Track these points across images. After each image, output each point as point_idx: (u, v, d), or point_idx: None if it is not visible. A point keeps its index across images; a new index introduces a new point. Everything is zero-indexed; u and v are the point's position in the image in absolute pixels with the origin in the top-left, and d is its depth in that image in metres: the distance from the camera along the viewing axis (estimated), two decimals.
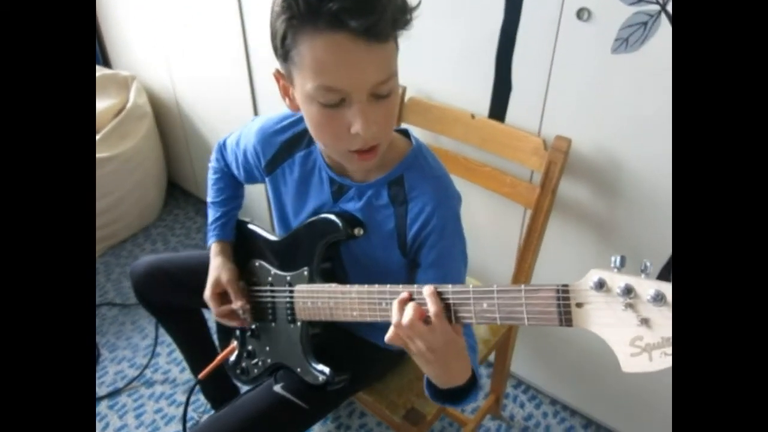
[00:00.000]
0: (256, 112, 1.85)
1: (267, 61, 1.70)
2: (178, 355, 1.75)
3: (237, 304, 1.03)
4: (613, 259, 0.57)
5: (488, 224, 1.44)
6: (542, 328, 1.49)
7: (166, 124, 2.28)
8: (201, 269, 1.18)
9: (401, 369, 1.17)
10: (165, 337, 1.79)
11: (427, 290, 0.70)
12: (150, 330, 1.82)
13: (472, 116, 1.28)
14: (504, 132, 1.25)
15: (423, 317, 0.70)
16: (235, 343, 1.14)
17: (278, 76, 0.81)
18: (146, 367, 1.71)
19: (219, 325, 1.19)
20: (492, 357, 1.45)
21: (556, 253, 1.32)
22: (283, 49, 0.73)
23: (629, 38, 1.03)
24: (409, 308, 0.70)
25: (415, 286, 0.73)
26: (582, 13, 1.06)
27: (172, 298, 1.24)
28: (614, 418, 1.50)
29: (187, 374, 1.69)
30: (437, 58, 1.29)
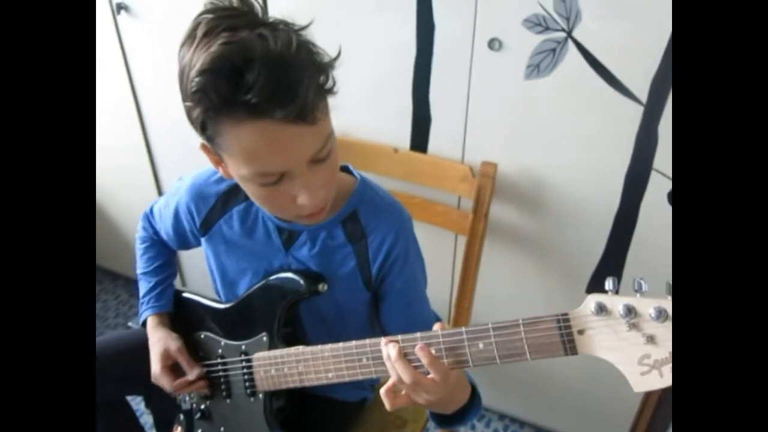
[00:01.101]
0: (154, 170, 1.72)
1: (160, 112, 1.59)
2: None
3: (193, 374, 0.93)
4: (607, 282, 0.58)
5: (423, 253, 1.44)
6: None
7: None
8: (122, 352, 1.07)
9: (363, 420, 1.12)
10: None
11: (425, 360, 0.67)
12: None
13: (395, 150, 1.29)
14: (428, 162, 1.26)
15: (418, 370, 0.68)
16: (179, 430, 1.03)
17: (206, 150, 0.75)
18: None
19: (156, 412, 1.07)
20: None
21: (494, 275, 1.35)
22: (204, 136, 0.68)
23: (540, 64, 1.09)
24: (406, 368, 0.68)
25: (399, 338, 0.70)
26: (493, 44, 1.10)
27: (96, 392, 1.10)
28: (563, 423, 1.55)
29: None
30: (354, 96, 1.28)
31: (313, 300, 0.88)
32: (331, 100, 0.70)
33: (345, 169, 0.91)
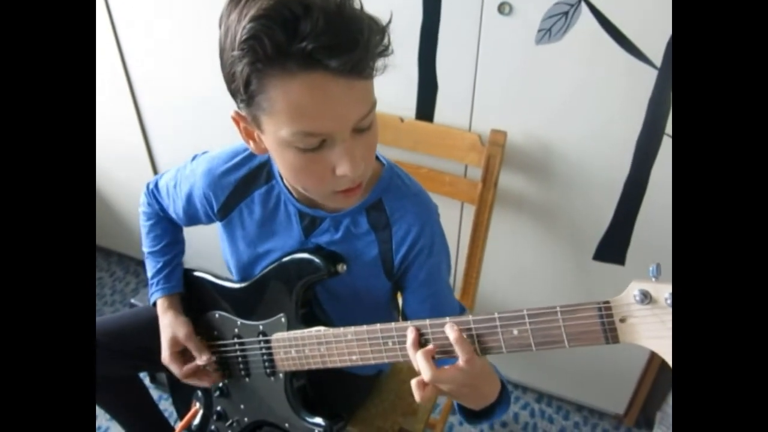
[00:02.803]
0: (148, 147, 1.66)
1: (153, 89, 1.53)
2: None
3: (203, 359, 0.92)
4: (650, 269, 0.57)
5: None
6: (488, 312, 1.52)
7: None
8: (133, 329, 1.05)
9: (379, 392, 1.13)
10: (101, 422, 1.58)
11: (452, 335, 0.66)
12: None
13: (401, 120, 1.25)
14: (435, 132, 1.23)
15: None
16: (197, 405, 1.02)
17: (238, 119, 0.71)
18: None
19: (174, 389, 1.06)
20: None
21: (504, 244, 1.35)
22: (246, 94, 0.63)
23: (552, 28, 1.05)
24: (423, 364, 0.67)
25: (428, 322, 0.69)
26: (503, 8, 1.06)
27: (102, 369, 1.08)
28: (563, 388, 1.58)
29: None
30: None
31: (332, 282, 0.87)
32: None
33: None
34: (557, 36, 1.06)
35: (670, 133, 1.08)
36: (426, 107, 1.24)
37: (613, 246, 1.26)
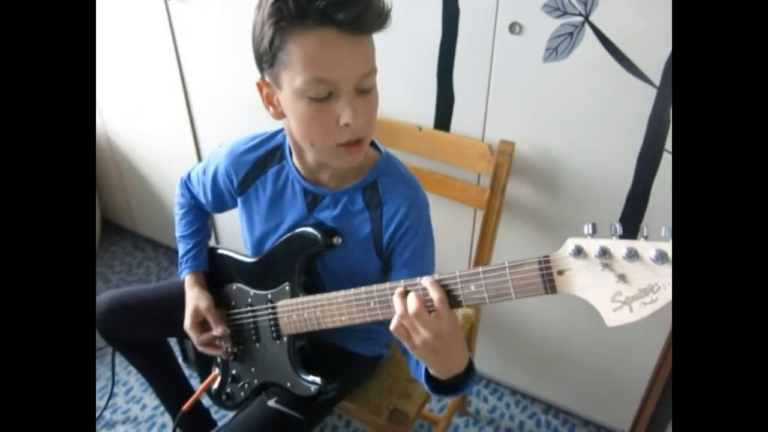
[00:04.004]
0: (196, 144, 1.85)
1: (204, 90, 1.71)
2: (136, 393, 1.69)
3: (218, 330, 1.04)
4: (585, 227, 0.65)
5: (442, 228, 1.50)
6: (498, 323, 1.58)
7: (98, 162, 2.21)
8: (165, 300, 1.18)
9: (378, 374, 1.21)
10: (121, 376, 1.74)
11: (426, 280, 0.74)
12: (103, 371, 1.75)
13: (419, 128, 1.36)
14: (450, 141, 1.34)
15: (425, 305, 0.74)
16: (216, 371, 1.14)
17: (261, 84, 0.85)
18: (105, 408, 1.64)
19: (198, 357, 1.18)
20: None
21: (509, 249, 1.42)
22: (270, 53, 0.78)
23: (558, 47, 1.15)
24: (413, 297, 0.74)
25: (409, 280, 0.78)
26: (514, 27, 1.17)
27: (137, 331, 1.22)
28: (571, 401, 1.60)
29: (149, 411, 1.65)
30: (382, 76, 1.35)
31: (330, 258, 0.98)
32: None
33: (372, 145, 0.99)
34: (563, 55, 1.15)
35: (670, 150, 1.14)
36: (443, 118, 1.35)
37: None
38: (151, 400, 1.67)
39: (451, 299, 0.75)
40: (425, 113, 1.36)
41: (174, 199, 1.20)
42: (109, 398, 1.66)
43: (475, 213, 1.43)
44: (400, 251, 0.94)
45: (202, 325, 1.08)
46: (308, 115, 0.81)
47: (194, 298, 1.07)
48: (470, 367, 0.80)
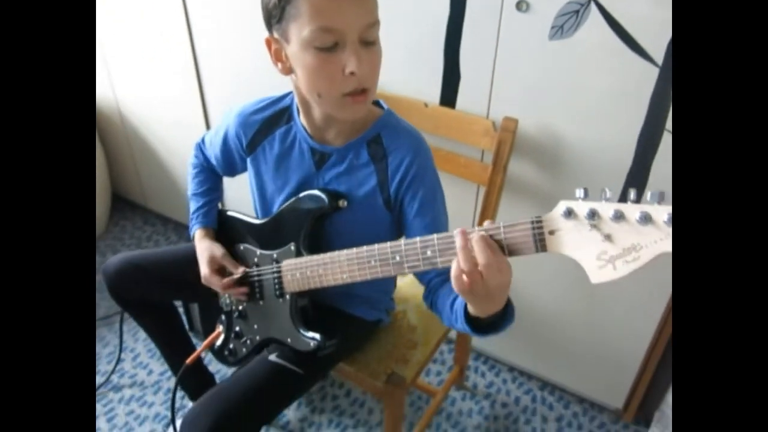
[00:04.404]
0: (206, 119, 1.88)
1: (215, 66, 1.75)
2: (143, 359, 1.75)
3: (239, 271, 1.08)
4: (577, 191, 0.68)
5: (447, 203, 1.55)
6: None
7: (108, 136, 2.26)
8: (175, 263, 1.23)
9: (377, 339, 1.25)
10: (128, 343, 1.79)
11: (476, 235, 0.73)
12: (111, 338, 1.80)
13: (425, 105, 1.39)
14: (455, 117, 1.36)
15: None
16: (220, 328, 1.18)
17: (270, 41, 0.89)
18: (112, 372, 1.69)
19: (203, 315, 1.22)
20: (453, 333, 1.55)
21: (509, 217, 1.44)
22: (279, 7, 0.82)
23: (564, 25, 1.17)
24: (486, 249, 0.71)
25: (443, 235, 0.78)
26: (521, 5, 1.19)
27: (147, 293, 1.27)
28: (567, 378, 1.64)
29: (155, 376, 1.70)
30: (389, 52, 1.37)
31: (337, 219, 1.01)
32: None
33: (376, 103, 1.03)
34: (568, 33, 1.17)
35: (671, 129, 1.16)
36: (449, 94, 1.38)
37: None
38: (158, 366, 1.73)
39: (448, 258, 0.78)
40: (431, 90, 1.39)
41: (188, 161, 1.24)
42: (117, 363, 1.71)
43: (478, 189, 1.46)
44: (410, 201, 0.97)
45: (219, 272, 1.11)
46: (315, 65, 0.84)
47: (207, 249, 1.11)
48: (508, 303, 0.81)
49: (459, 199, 1.50)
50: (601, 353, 1.52)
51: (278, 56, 0.90)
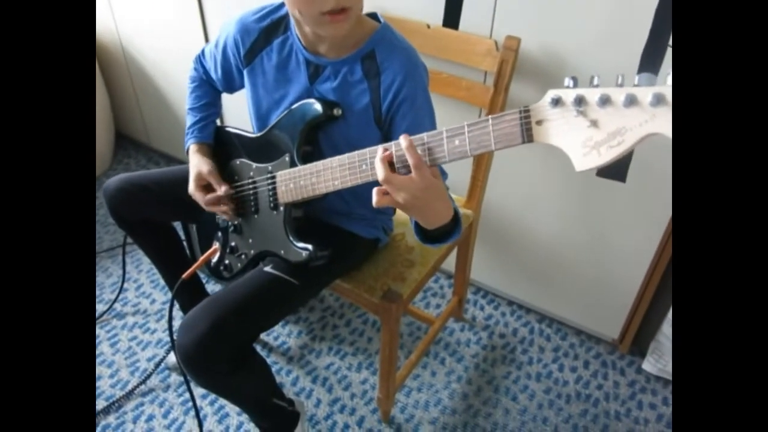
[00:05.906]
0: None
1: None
2: (146, 288, 1.78)
3: (222, 190, 1.09)
4: (566, 80, 0.67)
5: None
6: (497, 235, 1.61)
7: (112, 73, 2.25)
8: (174, 182, 1.23)
9: (375, 258, 1.26)
10: (132, 274, 1.82)
11: (404, 143, 0.78)
12: (114, 269, 1.84)
13: (428, 26, 1.36)
14: (458, 38, 1.34)
15: (393, 170, 0.80)
16: (216, 245, 1.20)
17: None
18: (115, 300, 1.73)
19: (200, 233, 1.24)
20: (453, 265, 1.56)
21: (514, 157, 1.43)
22: None
23: None
24: (378, 166, 0.79)
25: (393, 142, 0.81)
26: None
27: (146, 212, 1.28)
28: (564, 311, 1.65)
29: (158, 305, 1.73)
30: None
31: (331, 131, 1.01)
32: None
33: (373, 16, 1.01)
34: None
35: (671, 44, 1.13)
36: (452, 15, 1.34)
37: (616, 163, 1.31)
38: (161, 295, 1.76)
39: (436, 157, 0.78)
40: (434, 11, 1.36)
41: (188, 74, 1.23)
42: (120, 292, 1.75)
43: (480, 113, 1.44)
44: (399, 121, 0.97)
45: (206, 188, 1.12)
46: None
47: (196, 165, 1.12)
48: (455, 218, 0.85)
49: (460, 122, 1.48)
50: (598, 286, 1.52)
51: None
